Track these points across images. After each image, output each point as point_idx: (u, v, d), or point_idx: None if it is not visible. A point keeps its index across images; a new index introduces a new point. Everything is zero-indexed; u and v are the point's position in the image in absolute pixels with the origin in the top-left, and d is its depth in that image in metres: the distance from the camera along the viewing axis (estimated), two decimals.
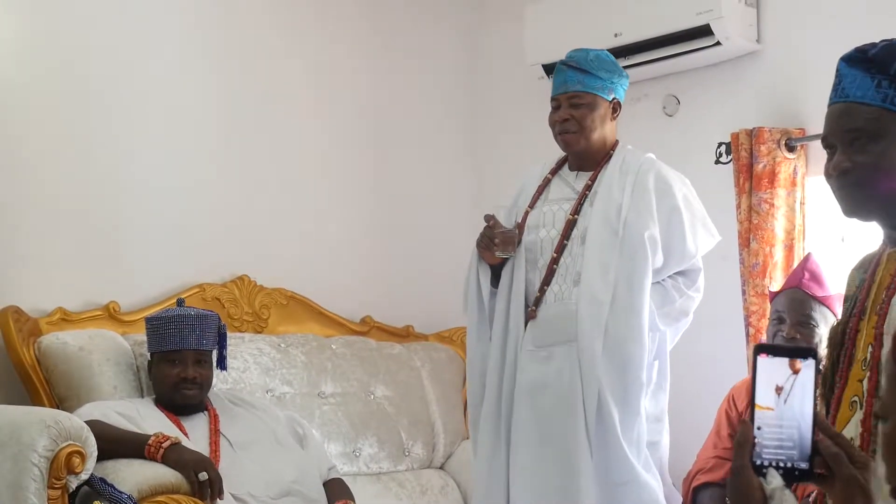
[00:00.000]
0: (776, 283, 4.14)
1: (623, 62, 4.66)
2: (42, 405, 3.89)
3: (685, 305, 3.56)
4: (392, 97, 5.37)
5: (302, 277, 4.92)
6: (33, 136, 4.24)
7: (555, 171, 3.66)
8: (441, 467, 4.79)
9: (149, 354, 3.89)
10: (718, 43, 4.37)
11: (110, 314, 4.31)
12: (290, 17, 5.03)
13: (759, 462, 1.47)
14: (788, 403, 1.45)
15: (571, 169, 3.62)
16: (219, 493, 3.37)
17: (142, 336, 4.01)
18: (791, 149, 4.22)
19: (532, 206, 3.60)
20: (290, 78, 5.03)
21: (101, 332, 4.15)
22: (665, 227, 3.43)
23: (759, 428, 1.46)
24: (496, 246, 3.44)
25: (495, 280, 3.58)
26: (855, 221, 4.05)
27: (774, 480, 1.46)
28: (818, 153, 4.20)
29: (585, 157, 3.55)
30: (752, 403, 1.47)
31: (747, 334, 4.24)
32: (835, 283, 3.81)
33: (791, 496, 1.45)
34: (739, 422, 1.46)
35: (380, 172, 5.29)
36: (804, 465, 1.46)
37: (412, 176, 5.39)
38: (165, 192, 4.56)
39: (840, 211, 1.99)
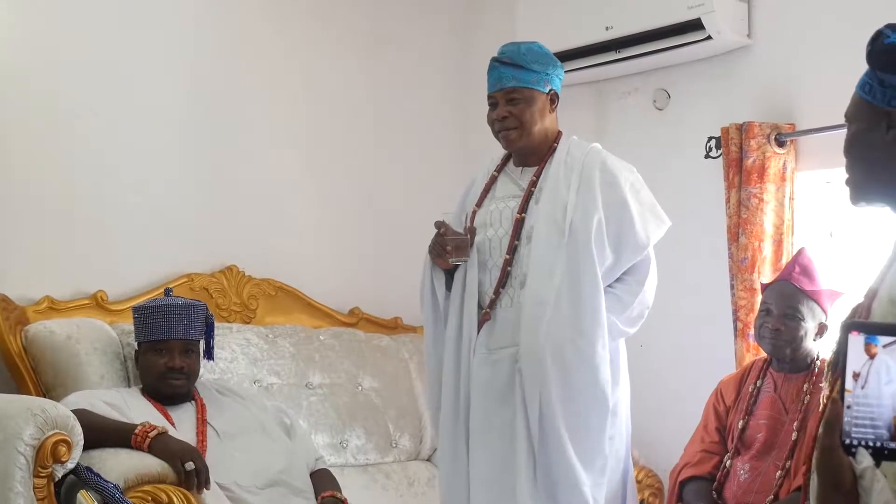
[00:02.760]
0: (765, 277, 4.15)
1: (614, 56, 4.68)
2: (29, 393, 3.88)
3: (644, 301, 3.48)
4: (384, 91, 5.36)
5: (290, 268, 4.92)
6: (20, 126, 4.23)
7: (500, 168, 3.61)
8: (428, 459, 4.79)
9: (136, 344, 3.88)
10: (709, 37, 4.36)
11: (98, 303, 4.31)
12: (280, 7, 5.02)
13: (847, 441, 1.46)
14: (865, 390, 1.44)
15: (516, 165, 3.57)
16: (205, 482, 3.36)
17: (129, 325, 4.00)
18: (781, 144, 4.22)
19: (479, 204, 3.55)
20: (280, 68, 5.02)
21: (89, 321, 4.14)
22: (615, 221, 3.36)
23: (847, 407, 1.45)
24: (449, 252, 3.40)
25: (449, 283, 3.54)
26: (844, 217, 4.09)
27: (865, 460, 1.45)
28: (808, 148, 4.23)
29: (528, 152, 3.50)
30: (842, 383, 1.45)
31: (735, 329, 4.24)
32: (826, 279, 3.83)
33: (882, 476, 1.44)
34: (829, 400, 1.45)
35: (370, 165, 5.29)
36: (895, 445, 1.45)
37: (402, 169, 5.39)
38: (154, 181, 4.56)
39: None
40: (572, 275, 3.31)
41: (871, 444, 1.44)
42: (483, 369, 3.41)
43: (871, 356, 1.44)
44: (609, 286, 3.41)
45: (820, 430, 1.48)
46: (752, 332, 4.13)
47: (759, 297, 4.03)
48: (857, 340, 1.46)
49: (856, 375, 1.45)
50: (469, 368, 3.44)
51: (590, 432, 3.32)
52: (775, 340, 3.73)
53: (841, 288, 3.82)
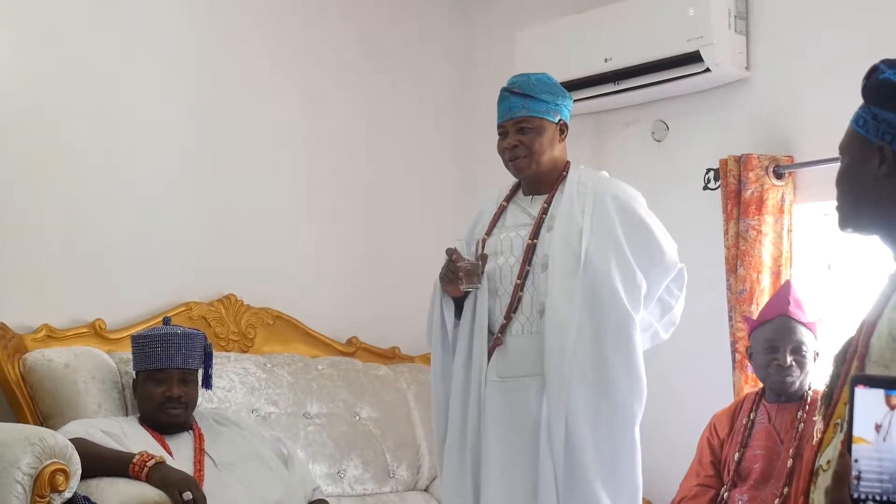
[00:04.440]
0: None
1: (613, 87, 4.70)
2: (26, 422, 3.87)
3: (680, 307, 3.53)
4: (382, 120, 5.38)
5: (289, 297, 4.92)
6: (20, 153, 4.24)
7: (510, 198, 3.61)
8: (426, 489, 4.78)
9: (134, 373, 3.88)
10: (708, 69, 4.39)
11: (96, 332, 4.30)
12: (280, 38, 5.05)
13: (856, 495, 1.44)
14: (888, 442, 1.43)
15: (526, 194, 3.57)
16: None
17: (127, 354, 3.99)
18: (779, 176, 4.24)
19: (489, 233, 3.54)
20: (279, 98, 5.03)
21: (87, 350, 4.14)
22: (639, 244, 3.37)
23: (855, 460, 1.44)
24: (460, 279, 3.38)
25: (458, 312, 3.53)
26: (842, 249, 4.11)
27: None
28: (806, 180, 4.24)
29: (538, 180, 3.50)
30: (849, 435, 1.44)
31: (734, 360, 4.24)
32: (815, 310, 3.86)
33: None
34: (839, 454, 1.44)
35: (368, 194, 5.30)
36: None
37: (401, 198, 5.40)
38: (152, 210, 4.56)
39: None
40: (592, 303, 3.30)
41: (877, 498, 1.43)
42: (497, 398, 3.38)
43: (892, 407, 1.43)
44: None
45: (823, 479, 1.47)
46: (749, 365, 4.13)
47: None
48: (872, 394, 1.45)
49: (878, 427, 1.44)
50: (480, 396, 3.41)
51: (618, 459, 3.31)
52: (787, 377, 3.75)
53: (824, 313, 3.87)
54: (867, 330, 1.86)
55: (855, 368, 1.84)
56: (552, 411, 3.26)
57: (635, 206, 3.43)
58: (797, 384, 3.76)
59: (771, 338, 3.80)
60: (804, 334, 3.78)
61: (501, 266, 3.45)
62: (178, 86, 4.70)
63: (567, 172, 3.51)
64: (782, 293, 3.89)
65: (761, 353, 3.83)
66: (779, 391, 3.80)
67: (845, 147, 1.97)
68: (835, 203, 2.02)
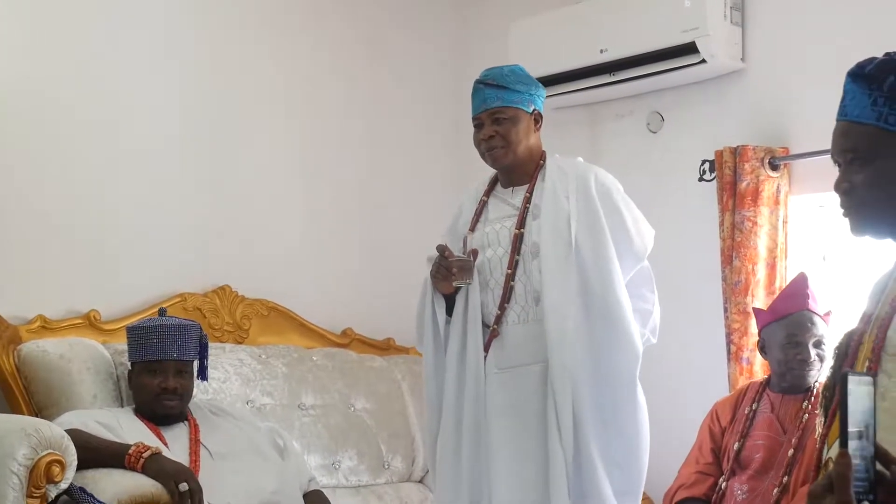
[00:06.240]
0: (758, 300, 4.15)
1: (608, 78, 4.70)
2: (21, 413, 3.87)
3: (657, 310, 3.52)
4: (376, 111, 5.37)
5: (283, 288, 4.92)
6: (15, 143, 4.23)
7: (489, 192, 3.61)
8: (420, 481, 4.78)
9: (129, 364, 3.88)
10: (704, 61, 4.38)
11: (91, 322, 4.30)
12: (276, 29, 5.04)
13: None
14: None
15: (505, 186, 3.58)
16: (199, 503, 3.35)
17: (122, 345, 4.00)
18: (775, 167, 4.24)
19: (472, 229, 3.55)
20: (273, 91, 5.03)
21: (82, 341, 4.13)
22: (614, 233, 3.38)
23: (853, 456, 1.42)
24: (454, 276, 3.39)
25: (449, 309, 3.53)
26: (837, 240, 4.11)
27: None
28: (801, 172, 4.24)
29: (516, 171, 3.52)
30: (844, 432, 1.41)
31: (728, 351, 4.25)
32: (825, 302, 3.86)
33: None
34: (839, 454, 1.40)
35: (363, 186, 5.30)
36: (872, 498, 1.41)
37: (395, 191, 5.40)
38: (148, 202, 4.56)
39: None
40: (584, 287, 3.32)
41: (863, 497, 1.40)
42: (498, 389, 3.39)
43: None
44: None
45: (823, 481, 1.45)
46: (745, 355, 4.15)
47: (752, 322, 4.06)
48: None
49: None
50: (478, 391, 3.41)
51: (621, 444, 3.33)
52: (809, 370, 3.76)
53: (831, 305, 3.88)
54: (882, 323, 1.83)
55: (869, 361, 1.82)
56: (558, 398, 3.28)
57: (613, 193, 3.46)
58: (817, 378, 3.77)
59: (793, 332, 3.77)
60: (823, 328, 3.78)
61: (490, 258, 3.47)
62: (174, 77, 4.69)
63: (544, 161, 3.54)
64: (799, 287, 3.86)
65: (780, 347, 3.80)
66: (797, 385, 3.79)
67: (870, 149, 1.88)
68: (836, 199, 1.95)
